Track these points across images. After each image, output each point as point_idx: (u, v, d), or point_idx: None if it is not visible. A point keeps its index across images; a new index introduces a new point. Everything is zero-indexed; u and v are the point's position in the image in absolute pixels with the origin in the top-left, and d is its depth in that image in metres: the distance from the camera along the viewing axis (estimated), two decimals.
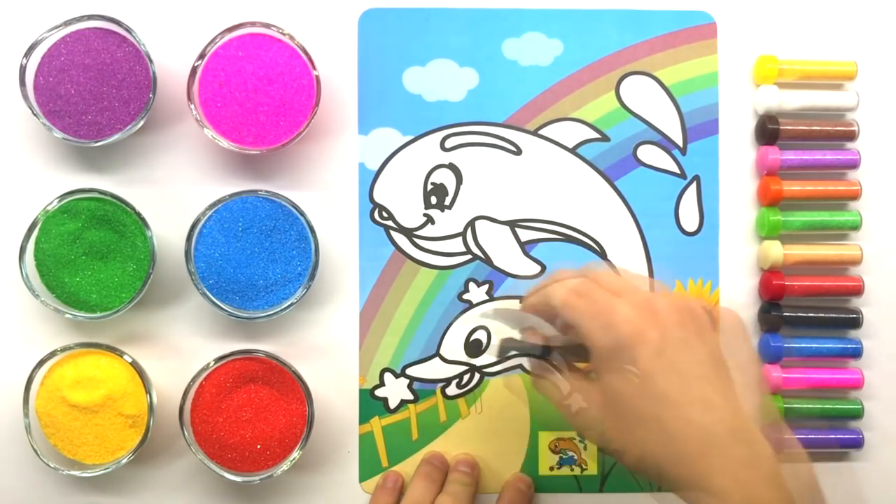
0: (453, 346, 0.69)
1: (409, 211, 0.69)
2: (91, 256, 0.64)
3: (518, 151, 0.69)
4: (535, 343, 0.58)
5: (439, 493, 0.66)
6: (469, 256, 0.69)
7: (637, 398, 0.52)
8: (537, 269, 0.69)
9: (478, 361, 0.69)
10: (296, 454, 0.65)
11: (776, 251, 0.68)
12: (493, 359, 0.69)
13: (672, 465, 0.51)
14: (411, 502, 0.65)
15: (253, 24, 0.65)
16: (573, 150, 0.69)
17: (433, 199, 0.69)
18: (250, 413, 0.65)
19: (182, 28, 0.68)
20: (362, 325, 0.69)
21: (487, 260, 0.69)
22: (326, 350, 0.68)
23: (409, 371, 0.69)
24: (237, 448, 0.64)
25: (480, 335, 0.69)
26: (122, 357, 0.64)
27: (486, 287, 0.69)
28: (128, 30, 0.64)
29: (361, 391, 0.69)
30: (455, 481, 0.66)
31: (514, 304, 0.64)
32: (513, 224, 0.69)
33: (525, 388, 0.69)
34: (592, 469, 0.69)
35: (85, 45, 0.65)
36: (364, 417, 0.69)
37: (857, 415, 0.69)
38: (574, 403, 0.56)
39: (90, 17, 0.64)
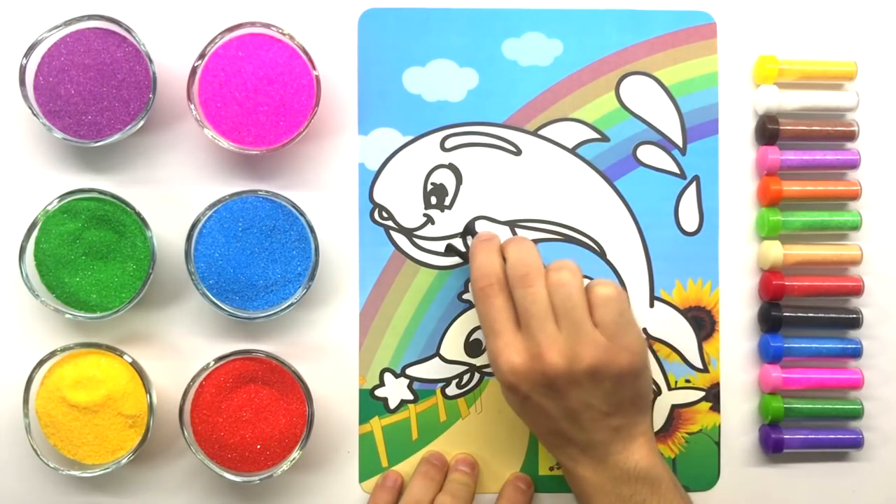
0: (453, 346, 0.69)
1: (409, 211, 0.69)
2: (91, 256, 0.64)
3: (518, 152, 0.69)
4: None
5: (438, 492, 0.66)
6: None
7: (514, 406, 0.63)
8: None
9: (478, 361, 0.69)
10: (296, 454, 0.65)
11: (776, 251, 0.68)
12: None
13: (544, 444, 0.65)
14: (411, 501, 0.65)
15: (253, 24, 0.65)
16: (573, 151, 0.69)
17: (433, 199, 0.69)
18: (250, 413, 0.65)
19: (182, 28, 0.68)
20: (362, 325, 0.69)
21: None
22: (326, 350, 0.68)
23: (409, 371, 0.69)
24: (237, 448, 0.64)
25: (480, 335, 0.69)
26: (122, 357, 0.64)
27: None
28: (128, 30, 0.64)
29: (361, 391, 0.69)
30: (455, 481, 0.67)
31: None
32: (513, 224, 0.69)
33: None
34: None
35: (85, 45, 0.65)
36: (364, 417, 0.69)
37: (857, 415, 0.69)
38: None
39: (90, 17, 0.64)
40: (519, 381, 0.60)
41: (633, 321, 0.61)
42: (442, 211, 0.69)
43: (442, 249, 0.69)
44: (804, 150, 0.69)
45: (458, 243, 0.68)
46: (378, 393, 0.69)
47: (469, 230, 0.68)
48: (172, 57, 0.67)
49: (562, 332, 0.60)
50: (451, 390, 0.69)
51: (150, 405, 0.64)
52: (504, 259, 0.62)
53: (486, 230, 0.67)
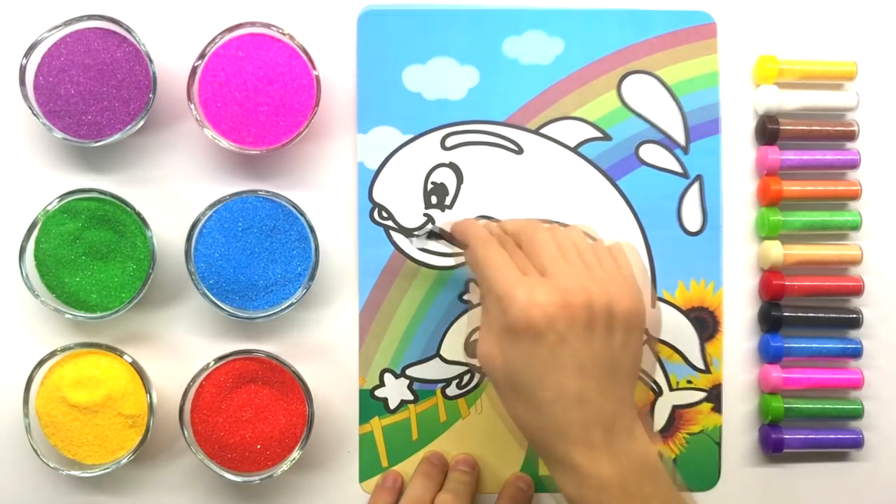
0: (453, 346, 0.69)
1: (409, 211, 0.69)
2: (91, 256, 0.64)
3: (519, 150, 0.69)
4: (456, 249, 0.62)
5: (439, 491, 0.66)
6: None
7: (522, 376, 0.54)
8: None
9: (478, 362, 0.69)
10: (296, 454, 0.65)
11: (776, 251, 0.68)
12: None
13: (542, 440, 0.55)
14: (411, 500, 0.65)
15: (253, 24, 0.65)
16: (575, 150, 0.69)
17: (433, 199, 0.69)
18: (250, 413, 0.65)
19: (182, 28, 0.68)
20: (362, 325, 0.69)
21: None
22: (326, 350, 0.68)
23: (409, 371, 0.69)
24: (237, 448, 0.64)
25: None
26: (122, 357, 0.64)
27: None
28: (128, 30, 0.64)
29: (361, 391, 0.69)
30: (455, 480, 0.67)
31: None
32: None
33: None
34: None
35: (85, 45, 0.65)
36: (364, 417, 0.69)
37: (857, 415, 0.69)
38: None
39: (90, 17, 0.64)
40: (557, 315, 0.52)
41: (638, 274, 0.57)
42: (442, 210, 0.69)
43: (442, 249, 0.69)
44: (804, 150, 0.69)
45: (436, 229, 0.65)
46: (378, 393, 0.69)
47: (434, 234, 0.66)
48: (172, 57, 0.67)
49: (592, 273, 0.55)
50: (452, 391, 0.69)
51: (150, 405, 0.64)
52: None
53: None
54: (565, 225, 0.58)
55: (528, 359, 0.53)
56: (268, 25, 0.65)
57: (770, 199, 0.69)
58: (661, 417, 0.69)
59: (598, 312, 0.54)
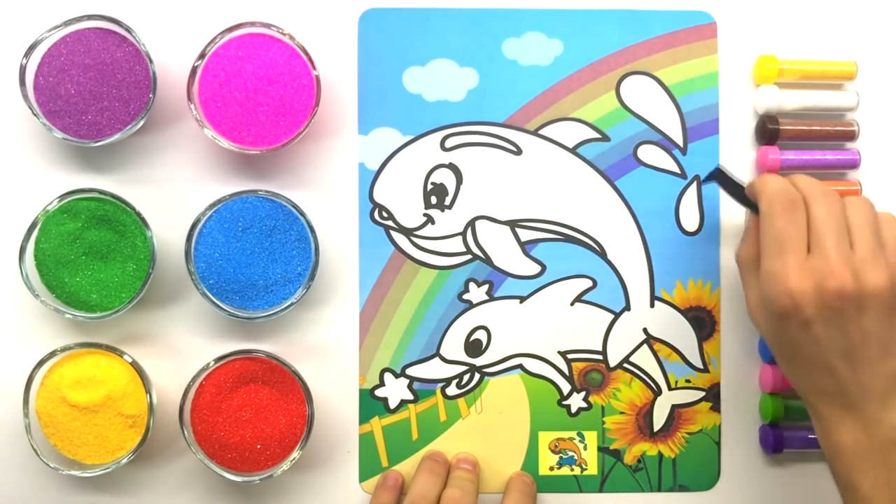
0: (453, 346, 0.69)
1: (409, 211, 0.69)
2: (91, 256, 0.64)
3: (518, 151, 0.69)
4: (741, 185, 0.64)
5: (443, 488, 0.66)
6: (469, 256, 0.69)
7: (782, 349, 0.60)
8: (537, 268, 0.69)
9: (478, 361, 0.69)
10: (296, 454, 0.65)
11: None
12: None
13: (796, 387, 0.61)
14: (417, 495, 0.65)
15: (253, 24, 0.65)
16: (573, 150, 0.69)
17: (433, 199, 0.69)
18: (250, 413, 0.65)
19: (182, 28, 0.68)
20: (362, 325, 0.69)
21: (487, 260, 0.69)
22: (326, 350, 0.68)
23: (409, 371, 0.69)
24: (237, 448, 0.64)
25: (480, 335, 0.69)
26: (122, 357, 0.64)
27: (486, 287, 0.69)
28: (128, 30, 0.64)
29: (361, 391, 0.69)
30: (460, 478, 0.66)
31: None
32: (513, 224, 0.69)
33: (525, 390, 0.69)
34: (592, 469, 0.69)
35: (85, 45, 0.65)
36: (364, 417, 0.69)
37: None
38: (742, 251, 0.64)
39: (90, 17, 0.64)
40: (806, 302, 0.56)
41: None
42: (442, 211, 0.69)
43: (442, 249, 0.69)
44: (804, 150, 0.69)
45: (727, 172, 0.65)
46: (378, 393, 0.69)
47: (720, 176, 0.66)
48: (172, 57, 0.67)
49: (856, 252, 0.57)
50: (452, 390, 0.69)
51: (150, 405, 0.64)
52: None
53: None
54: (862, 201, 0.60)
55: (779, 332, 0.59)
56: (268, 25, 0.65)
57: None
58: (660, 416, 0.69)
59: (847, 297, 0.57)
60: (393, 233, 0.69)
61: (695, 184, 0.69)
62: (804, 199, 0.59)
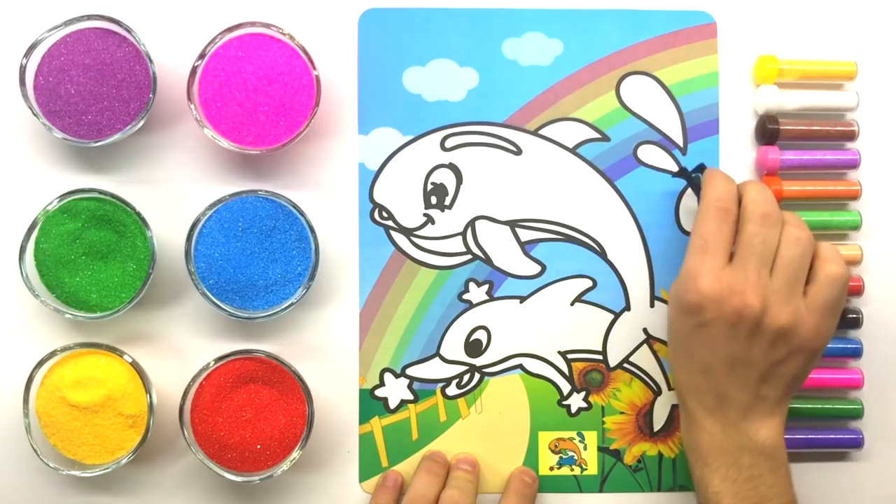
0: (453, 346, 0.69)
1: (409, 211, 0.69)
2: (91, 256, 0.64)
3: (518, 151, 0.69)
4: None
5: (442, 488, 0.66)
6: (469, 256, 0.69)
7: (674, 334, 0.63)
8: (537, 268, 0.69)
9: (478, 361, 0.69)
10: (296, 454, 0.65)
11: None
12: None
13: (679, 390, 0.64)
14: (416, 495, 0.65)
15: (253, 24, 0.65)
16: (573, 150, 0.69)
17: (433, 199, 0.69)
18: (250, 413, 0.65)
19: (182, 28, 0.68)
20: (362, 325, 0.69)
21: (487, 260, 0.69)
22: (326, 350, 0.68)
23: (409, 371, 0.69)
24: (237, 448, 0.64)
25: (480, 335, 0.69)
26: (122, 357, 0.64)
27: (486, 287, 0.69)
28: (128, 30, 0.64)
29: (361, 391, 0.69)
30: (459, 478, 0.66)
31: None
32: (513, 224, 0.69)
33: (525, 390, 0.69)
34: (592, 469, 0.69)
35: (85, 45, 0.65)
36: (364, 417, 0.69)
37: (857, 415, 0.69)
38: None
39: (90, 17, 0.64)
40: (708, 305, 0.60)
41: (839, 309, 0.62)
42: (442, 211, 0.69)
43: (442, 249, 0.69)
44: (804, 150, 0.69)
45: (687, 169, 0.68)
46: (378, 393, 0.69)
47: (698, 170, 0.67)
48: (172, 57, 0.67)
49: (773, 282, 0.60)
50: (452, 390, 0.69)
51: (150, 405, 0.64)
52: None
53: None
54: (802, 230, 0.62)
55: (678, 324, 0.62)
56: (268, 25, 0.65)
57: None
58: (660, 416, 0.69)
59: (746, 320, 0.59)
60: (393, 233, 0.69)
61: (685, 177, 0.69)
62: (743, 213, 0.61)
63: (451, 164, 0.69)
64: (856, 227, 0.69)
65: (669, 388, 0.69)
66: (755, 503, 0.60)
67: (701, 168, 0.66)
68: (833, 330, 0.62)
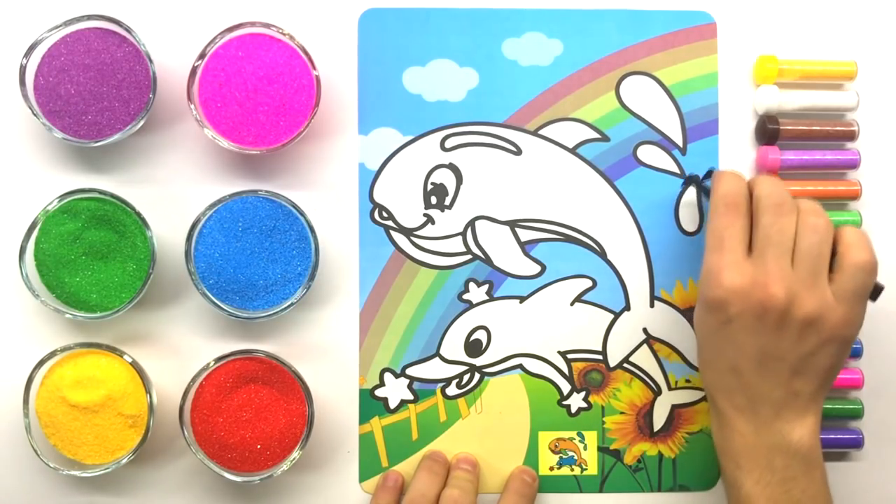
0: (453, 346, 0.69)
1: (409, 211, 0.69)
2: (91, 256, 0.64)
3: (518, 151, 0.69)
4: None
5: (442, 488, 0.66)
6: (469, 256, 0.69)
7: (701, 333, 0.62)
8: (537, 268, 0.69)
9: (478, 361, 0.69)
10: (296, 454, 0.65)
11: None
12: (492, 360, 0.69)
13: (709, 390, 0.63)
14: (417, 494, 0.65)
15: (253, 24, 0.65)
16: (573, 150, 0.69)
17: (433, 199, 0.69)
18: (250, 413, 0.65)
19: (182, 28, 0.68)
20: (362, 325, 0.69)
21: (487, 260, 0.69)
22: (326, 350, 0.68)
23: (409, 371, 0.69)
24: (237, 448, 0.64)
25: (480, 335, 0.69)
26: (122, 357, 0.64)
27: (486, 287, 0.69)
28: (128, 30, 0.64)
29: (361, 391, 0.69)
30: (459, 478, 0.66)
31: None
32: (513, 224, 0.69)
33: (525, 390, 0.69)
34: (592, 469, 0.69)
35: (85, 45, 0.65)
36: (364, 417, 0.69)
37: (857, 415, 0.69)
38: None
39: (90, 17, 0.64)
40: (732, 299, 0.59)
41: (866, 297, 0.60)
42: (442, 211, 0.69)
43: (442, 249, 0.69)
44: (804, 150, 0.69)
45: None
46: (378, 393, 0.69)
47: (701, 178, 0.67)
48: (172, 57, 0.67)
49: (795, 272, 0.59)
50: (452, 390, 0.69)
51: (150, 405, 0.64)
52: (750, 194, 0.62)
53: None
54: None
55: (703, 322, 0.61)
56: (268, 25, 0.65)
57: None
58: (660, 416, 0.69)
59: (772, 311, 0.58)
60: (393, 233, 0.69)
61: (694, 183, 0.69)
62: (756, 206, 0.60)
63: (451, 164, 0.69)
64: (856, 226, 0.69)
65: (670, 388, 0.69)
66: None
67: (709, 173, 0.65)
68: (863, 317, 0.60)
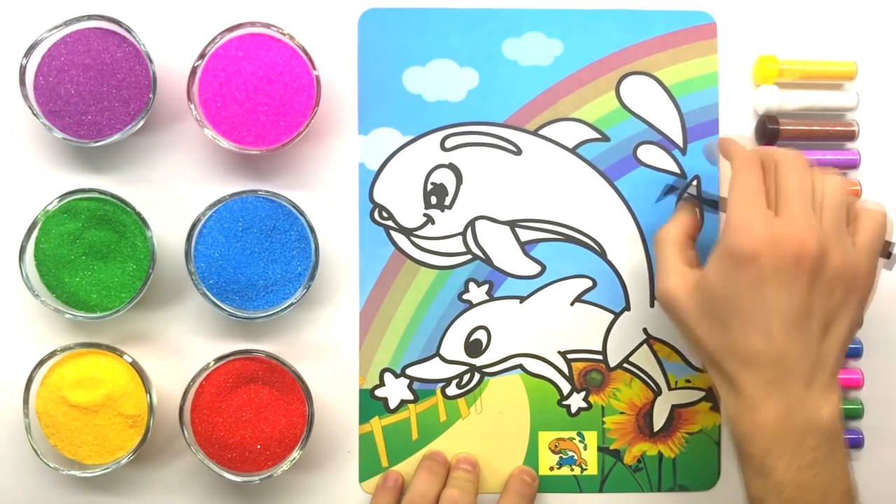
0: (453, 346, 0.69)
1: (409, 211, 0.69)
2: (91, 256, 0.64)
3: (518, 151, 0.69)
4: (690, 189, 0.66)
5: (442, 488, 0.66)
6: (469, 256, 0.69)
7: (723, 300, 0.58)
8: (537, 268, 0.69)
9: (478, 361, 0.69)
10: (296, 454, 0.65)
11: None
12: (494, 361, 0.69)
13: (719, 355, 0.59)
14: (417, 494, 0.65)
15: (253, 24, 0.65)
16: (573, 150, 0.69)
17: (433, 199, 0.69)
18: (250, 413, 0.65)
19: (182, 28, 0.68)
20: (362, 325, 0.69)
21: (487, 260, 0.69)
22: (326, 350, 0.68)
23: (409, 371, 0.69)
24: (237, 448, 0.64)
25: (480, 335, 0.69)
26: (122, 357, 0.64)
27: (486, 287, 0.69)
28: (128, 30, 0.64)
29: (361, 391, 0.69)
30: (459, 478, 0.66)
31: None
32: (513, 224, 0.69)
33: (525, 390, 0.69)
34: (592, 469, 0.69)
35: (85, 45, 0.65)
36: (364, 417, 0.69)
37: (857, 415, 0.69)
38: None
39: (90, 17, 0.64)
40: (765, 251, 0.56)
41: (878, 253, 0.59)
42: (442, 211, 0.69)
43: (442, 249, 0.69)
44: (804, 150, 0.69)
45: (677, 185, 0.67)
46: (378, 393, 0.69)
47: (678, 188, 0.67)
48: (172, 57, 0.67)
49: (822, 225, 0.57)
50: (452, 390, 0.69)
51: (150, 405, 0.64)
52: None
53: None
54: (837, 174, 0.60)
55: (730, 281, 0.57)
56: (268, 25, 0.65)
57: None
58: (660, 416, 0.69)
59: (805, 262, 0.56)
60: (393, 233, 0.69)
61: (694, 183, 0.69)
62: (777, 166, 0.59)
63: (451, 164, 0.69)
64: None
65: (670, 388, 0.69)
66: (820, 492, 0.56)
67: (696, 179, 0.65)
68: (875, 273, 0.59)
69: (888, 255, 0.61)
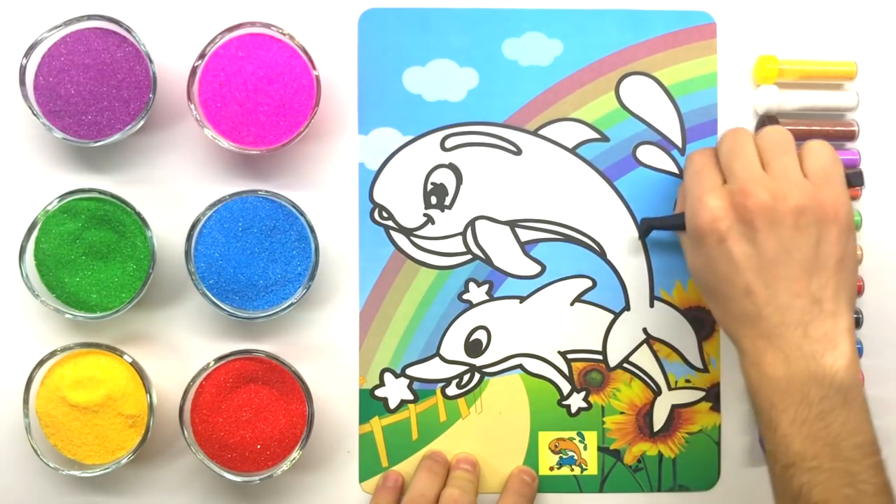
0: (453, 346, 0.69)
1: (409, 211, 0.69)
2: (91, 256, 0.64)
3: (518, 151, 0.69)
4: (667, 217, 0.67)
5: (442, 488, 0.66)
6: (469, 256, 0.69)
7: (704, 274, 0.61)
8: (537, 268, 0.69)
9: (478, 361, 0.69)
10: (296, 454, 0.65)
11: None
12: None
13: (724, 326, 0.61)
14: (417, 494, 0.65)
15: (253, 24, 0.65)
16: (573, 151, 0.69)
17: (433, 199, 0.69)
18: (250, 413, 0.65)
19: (182, 28, 0.68)
20: (362, 325, 0.69)
21: (487, 260, 0.69)
22: (326, 350, 0.68)
23: (409, 371, 0.69)
24: (237, 448, 0.64)
25: (480, 335, 0.69)
26: (122, 357, 0.64)
27: (486, 287, 0.69)
28: (128, 30, 0.64)
29: (361, 391, 0.69)
30: (459, 477, 0.67)
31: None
32: (513, 224, 0.69)
33: (525, 390, 0.69)
34: (592, 469, 0.69)
35: (85, 45, 0.65)
36: (364, 417, 0.69)
37: None
38: None
39: (90, 17, 0.64)
40: (720, 214, 0.58)
41: (843, 179, 0.59)
42: (442, 211, 0.69)
43: (442, 249, 0.69)
44: None
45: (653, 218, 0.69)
46: (378, 393, 0.69)
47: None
48: (172, 57, 0.67)
49: (769, 174, 0.59)
50: (451, 390, 0.69)
51: (150, 405, 0.64)
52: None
53: None
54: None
55: (702, 258, 0.60)
56: (268, 25, 0.65)
57: None
58: (660, 416, 0.69)
59: (757, 210, 0.58)
60: (393, 233, 0.69)
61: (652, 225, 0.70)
62: (722, 141, 0.62)
63: (451, 164, 0.69)
64: (856, 227, 0.69)
65: (670, 388, 0.69)
66: (828, 444, 0.55)
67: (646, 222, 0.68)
68: (847, 197, 0.59)
69: (859, 182, 0.63)
